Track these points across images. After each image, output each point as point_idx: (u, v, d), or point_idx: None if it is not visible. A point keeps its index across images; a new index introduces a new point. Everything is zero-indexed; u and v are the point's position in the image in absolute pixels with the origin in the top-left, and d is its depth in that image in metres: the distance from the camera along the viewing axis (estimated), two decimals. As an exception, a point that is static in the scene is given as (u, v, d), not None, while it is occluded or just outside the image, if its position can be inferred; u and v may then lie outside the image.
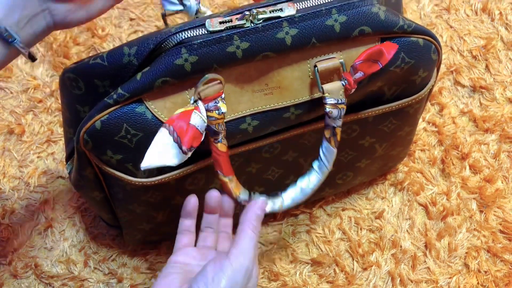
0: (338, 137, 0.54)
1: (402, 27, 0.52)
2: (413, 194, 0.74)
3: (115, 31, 0.89)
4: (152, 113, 0.51)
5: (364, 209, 0.74)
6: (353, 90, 0.52)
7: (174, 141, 0.48)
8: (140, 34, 0.89)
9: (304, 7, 0.50)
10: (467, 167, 0.75)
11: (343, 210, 0.74)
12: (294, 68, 0.52)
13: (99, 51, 0.87)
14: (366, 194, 0.75)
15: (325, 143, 0.54)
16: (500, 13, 0.86)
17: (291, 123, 0.56)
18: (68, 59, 0.87)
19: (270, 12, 0.49)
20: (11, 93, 0.85)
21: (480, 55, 0.83)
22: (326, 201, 0.74)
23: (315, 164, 0.55)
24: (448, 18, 0.87)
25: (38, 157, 0.80)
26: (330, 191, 0.71)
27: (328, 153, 0.54)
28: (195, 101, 0.49)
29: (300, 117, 0.55)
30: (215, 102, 0.49)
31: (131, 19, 0.90)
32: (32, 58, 0.53)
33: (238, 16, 0.49)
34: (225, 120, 0.53)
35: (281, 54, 0.51)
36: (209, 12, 0.56)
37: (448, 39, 0.85)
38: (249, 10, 0.49)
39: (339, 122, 0.53)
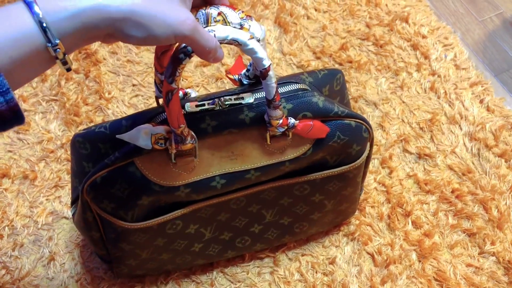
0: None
1: (337, 113, 0.67)
2: (363, 244, 0.87)
3: (119, 94, 1.04)
4: (141, 172, 0.65)
5: (320, 255, 0.87)
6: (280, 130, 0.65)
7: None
8: (140, 98, 1.04)
9: (260, 96, 0.65)
10: (410, 223, 0.89)
11: (302, 255, 0.87)
12: (253, 141, 0.67)
13: (105, 111, 1.02)
14: (323, 242, 0.88)
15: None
16: (445, 92, 1.01)
17: (252, 182, 0.70)
18: (78, 117, 1.01)
19: (234, 99, 0.64)
20: (28, 144, 0.99)
21: (426, 127, 0.98)
22: (288, 247, 0.87)
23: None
24: (401, 94, 1.02)
25: (47, 199, 0.93)
26: (290, 238, 0.84)
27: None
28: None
29: (259, 177, 0.69)
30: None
31: (134, 85, 1.06)
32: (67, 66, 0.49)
33: (209, 101, 0.64)
34: (198, 179, 0.67)
35: (242, 130, 0.65)
36: (194, 94, 0.71)
37: (400, 112, 0.99)
38: (218, 98, 0.64)
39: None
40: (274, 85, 0.61)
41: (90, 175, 0.66)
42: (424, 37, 1.09)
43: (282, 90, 0.67)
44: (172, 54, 0.56)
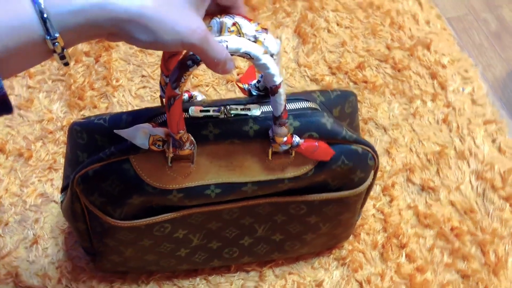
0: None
1: (344, 137, 0.65)
2: (352, 270, 0.85)
3: (127, 83, 1.02)
4: (134, 171, 0.63)
5: (308, 276, 0.84)
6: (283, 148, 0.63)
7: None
8: (148, 90, 1.02)
9: (267, 110, 0.63)
10: (404, 255, 0.86)
11: (289, 274, 0.84)
12: (254, 154, 0.64)
13: (110, 99, 1.00)
14: (312, 263, 0.85)
15: None
16: (458, 126, 0.99)
17: (248, 195, 0.68)
18: (82, 101, 1.00)
19: (240, 110, 0.62)
20: (28, 121, 0.98)
21: (434, 160, 0.95)
22: (276, 263, 0.85)
23: None
24: (413, 122, 1.00)
25: (39, 180, 0.91)
26: (279, 256, 0.82)
27: None
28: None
29: (256, 191, 0.67)
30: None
31: (143, 76, 1.03)
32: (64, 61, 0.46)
33: (215, 108, 0.62)
34: (192, 185, 0.65)
35: (245, 142, 0.63)
36: (200, 97, 0.69)
37: (409, 141, 0.97)
38: (225, 106, 0.62)
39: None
40: (283, 102, 0.58)
41: (83, 167, 0.64)
42: (444, 66, 1.06)
43: (291, 106, 0.64)
44: (180, 59, 0.54)
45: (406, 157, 0.96)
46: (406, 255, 0.86)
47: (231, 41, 0.54)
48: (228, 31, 0.56)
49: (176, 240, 0.73)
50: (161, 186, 0.64)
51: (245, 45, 0.54)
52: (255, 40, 0.56)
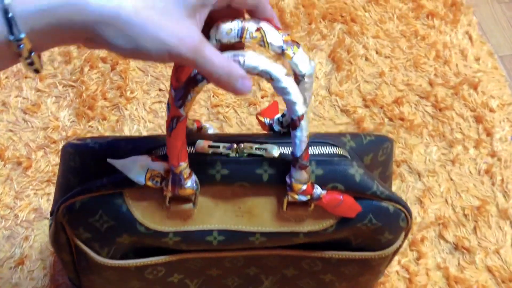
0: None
1: (375, 192, 0.55)
2: None
3: (142, 96, 0.94)
4: (127, 207, 0.55)
5: None
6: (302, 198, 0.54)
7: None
8: (163, 106, 0.94)
9: (287, 152, 0.54)
10: None
11: None
12: (266, 200, 0.55)
13: (122, 111, 0.92)
14: None
15: None
16: (502, 179, 0.88)
17: (255, 246, 0.58)
18: (92, 111, 0.92)
19: (255, 149, 0.53)
20: (32, 127, 0.91)
21: (472, 216, 0.85)
22: None
23: None
24: (451, 170, 0.89)
25: (34, 193, 0.84)
26: None
27: None
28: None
29: (264, 243, 0.58)
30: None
31: (160, 90, 0.95)
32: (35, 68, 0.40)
33: (226, 145, 0.53)
34: (192, 229, 0.56)
35: (257, 186, 0.54)
36: (211, 130, 0.61)
37: (445, 191, 0.87)
38: (237, 143, 0.54)
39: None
40: (305, 139, 0.50)
41: (69, 197, 0.56)
42: (491, 110, 0.96)
43: (315, 151, 0.55)
44: (191, 72, 0.46)
45: (440, 210, 0.85)
46: (431, 324, 0.76)
47: (249, 57, 0.45)
48: (250, 37, 0.47)
49: (170, 284, 0.64)
50: (156, 227, 0.56)
51: (264, 63, 0.46)
52: (282, 52, 0.48)
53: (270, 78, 0.47)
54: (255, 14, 0.48)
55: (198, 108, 0.94)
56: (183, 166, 0.51)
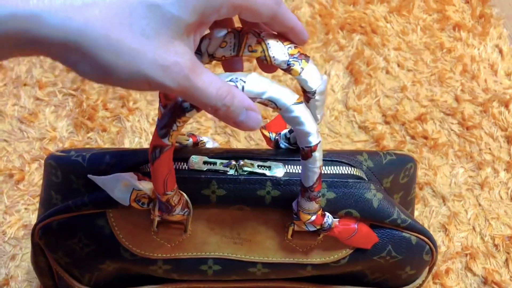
0: None
1: (395, 221, 0.48)
2: None
3: (145, 107, 0.88)
4: (111, 229, 0.49)
5: None
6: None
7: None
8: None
9: (294, 172, 0.47)
10: None
11: None
12: (269, 226, 0.48)
13: (123, 122, 0.87)
14: None
15: None
16: (536, 206, 0.80)
17: (256, 278, 0.52)
18: (92, 122, 0.86)
19: (257, 167, 0.47)
20: (28, 137, 0.85)
21: (503, 246, 0.77)
22: None
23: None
24: (479, 194, 0.81)
25: (25, 209, 0.78)
26: None
27: None
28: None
29: (267, 275, 0.51)
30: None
31: (164, 100, 0.90)
32: None
33: (224, 162, 0.47)
34: (184, 257, 0.50)
35: (258, 210, 0.47)
36: (210, 144, 0.54)
37: (472, 217, 0.79)
38: (236, 159, 0.47)
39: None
40: (318, 170, 0.43)
41: (46, 216, 0.50)
42: (524, 130, 0.88)
43: (327, 170, 0.49)
44: (175, 99, 0.39)
45: (468, 238, 0.77)
46: None
47: (250, 82, 0.38)
48: (249, 51, 0.41)
49: (160, 317, 0.57)
50: (143, 253, 0.50)
51: (270, 88, 0.39)
52: (288, 67, 0.41)
53: (276, 107, 0.40)
54: (274, 26, 0.41)
55: (205, 121, 0.87)
56: (171, 194, 0.44)
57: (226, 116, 0.37)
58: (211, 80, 0.36)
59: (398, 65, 0.96)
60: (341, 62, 0.95)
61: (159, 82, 0.34)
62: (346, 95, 0.91)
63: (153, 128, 0.87)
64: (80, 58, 0.32)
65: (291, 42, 0.42)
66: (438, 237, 0.77)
